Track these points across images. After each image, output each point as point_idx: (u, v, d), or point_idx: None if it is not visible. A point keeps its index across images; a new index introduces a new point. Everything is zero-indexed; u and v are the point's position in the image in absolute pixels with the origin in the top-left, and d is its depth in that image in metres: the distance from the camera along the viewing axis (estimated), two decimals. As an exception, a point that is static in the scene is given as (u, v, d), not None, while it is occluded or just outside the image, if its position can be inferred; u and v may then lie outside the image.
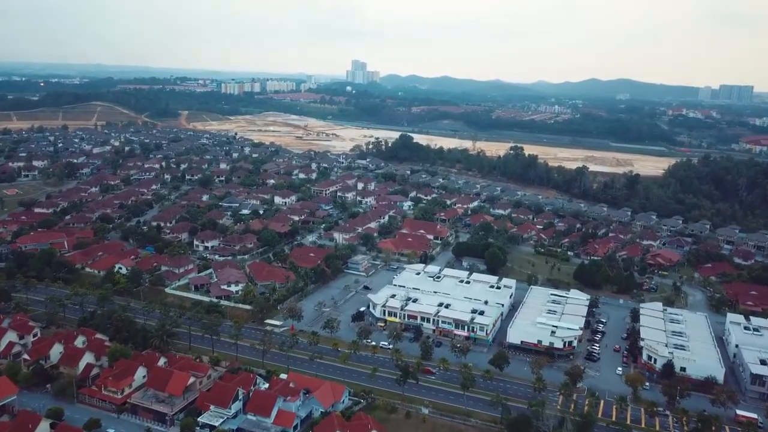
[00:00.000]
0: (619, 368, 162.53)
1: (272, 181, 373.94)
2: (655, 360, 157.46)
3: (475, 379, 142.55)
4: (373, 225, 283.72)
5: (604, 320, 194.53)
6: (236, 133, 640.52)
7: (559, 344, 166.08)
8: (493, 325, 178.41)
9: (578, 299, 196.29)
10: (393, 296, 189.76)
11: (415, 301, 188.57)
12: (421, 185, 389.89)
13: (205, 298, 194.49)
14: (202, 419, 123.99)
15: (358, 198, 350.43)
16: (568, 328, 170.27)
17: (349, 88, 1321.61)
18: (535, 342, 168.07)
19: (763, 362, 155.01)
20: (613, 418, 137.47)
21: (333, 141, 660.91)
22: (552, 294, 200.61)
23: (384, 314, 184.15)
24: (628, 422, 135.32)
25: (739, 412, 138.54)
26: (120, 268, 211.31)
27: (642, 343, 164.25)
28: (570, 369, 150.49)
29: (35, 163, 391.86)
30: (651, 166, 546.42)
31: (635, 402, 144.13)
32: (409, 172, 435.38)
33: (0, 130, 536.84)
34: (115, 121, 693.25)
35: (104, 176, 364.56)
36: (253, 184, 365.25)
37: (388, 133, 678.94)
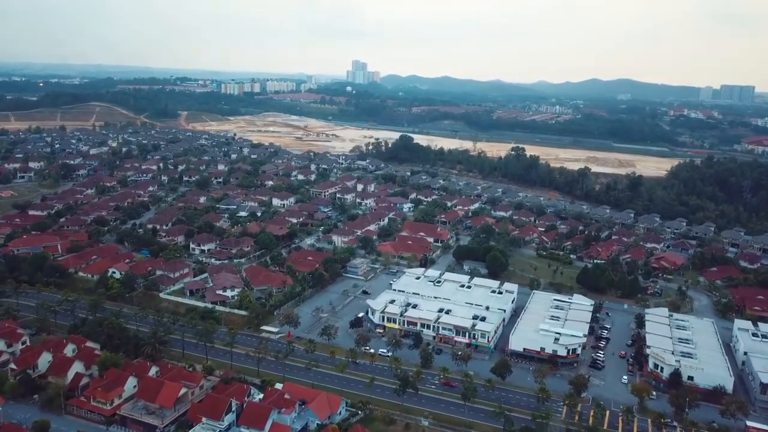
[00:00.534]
0: (625, 376, 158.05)
1: (271, 183, 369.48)
2: (662, 368, 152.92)
3: (476, 389, 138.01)
4: (372, 227, 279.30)
5: (608, 326, 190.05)
6: (235, 134, 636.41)
7: (562, 352, 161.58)
8: (495, 332, 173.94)
9: (582, 304, 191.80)
10: (392, 302, 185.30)
11: (414, 306, 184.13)
12: (422, 187, 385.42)
13: (200, 304, 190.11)
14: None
15: (358, 200, 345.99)
16: (571, 335, 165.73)
17: (349, 88, 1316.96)
18: (538, 349, 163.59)
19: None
20: (620, 430, 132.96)
21: (333, 141, 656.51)
22: (555, 299, 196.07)
23: (383, 320, 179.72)
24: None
25: (749, 423, 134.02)
26: (114, 272, 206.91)
27: (648, 351, 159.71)
28: (574, 378, 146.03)
29: (31, 164, 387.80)
30: (653, 166, 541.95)
31: (642, 412, 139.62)
32: (409, 174, 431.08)
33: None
34: (114, 121, 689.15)
35: (100, 178, 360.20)
36: (251, 186, 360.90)
37: (389, 133, 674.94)
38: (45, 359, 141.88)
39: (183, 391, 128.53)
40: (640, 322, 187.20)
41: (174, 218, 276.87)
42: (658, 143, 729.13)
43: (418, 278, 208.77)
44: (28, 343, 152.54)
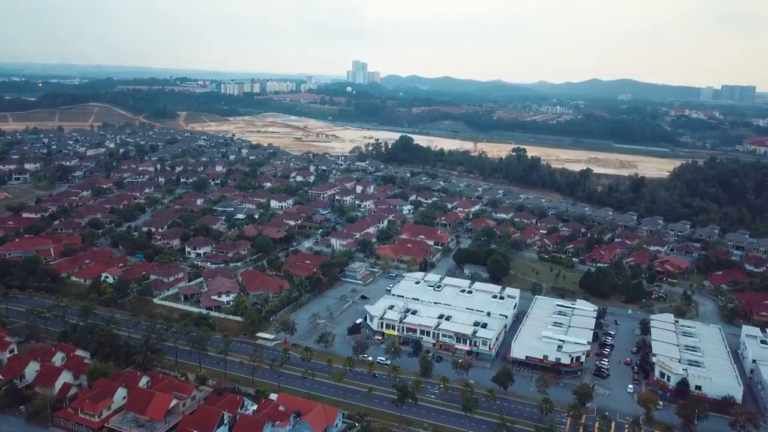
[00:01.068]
0: (630, 385, 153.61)
1: (269, 184, 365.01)
2: (669, 377, 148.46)
3: (477, 400, 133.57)
4: (371, 230, 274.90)
5: (612, 332, 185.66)
6: (234, 135, 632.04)
7: (566, 360, 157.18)
8: (497, 339, 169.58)
9: (585, 310, 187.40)
10: (391, 307, 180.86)
11: (414, 312, 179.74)
12: (422, 188, 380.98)
13: (195, 309, 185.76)
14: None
15: (357, 202, 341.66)
16: (575, 343, 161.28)
17: (349, 88, 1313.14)
18: (541, 357, 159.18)
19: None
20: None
21: (332, 142, 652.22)
22: (558, 305, 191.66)
23: (381, 327, 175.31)
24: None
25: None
26: (107, 277, 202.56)
27: (654, 359, 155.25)
28: (578, 388, 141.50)
29: (27, 165, 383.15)
30: (655, 167, 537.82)
31: (648, 424, 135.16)
32: (409, 175, 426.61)
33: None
34: (112, 122, 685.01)
35: (96, 179, 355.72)
36: (249, 188, 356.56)
37: (389, 134, 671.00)
38: (32, 369, 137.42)
39: (174, 402, 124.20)
40: (645, 328, 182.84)
41: (170, 221, 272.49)
42: (660, 144, 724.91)
43: (417, 283, 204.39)
44: (15, 352, 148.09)
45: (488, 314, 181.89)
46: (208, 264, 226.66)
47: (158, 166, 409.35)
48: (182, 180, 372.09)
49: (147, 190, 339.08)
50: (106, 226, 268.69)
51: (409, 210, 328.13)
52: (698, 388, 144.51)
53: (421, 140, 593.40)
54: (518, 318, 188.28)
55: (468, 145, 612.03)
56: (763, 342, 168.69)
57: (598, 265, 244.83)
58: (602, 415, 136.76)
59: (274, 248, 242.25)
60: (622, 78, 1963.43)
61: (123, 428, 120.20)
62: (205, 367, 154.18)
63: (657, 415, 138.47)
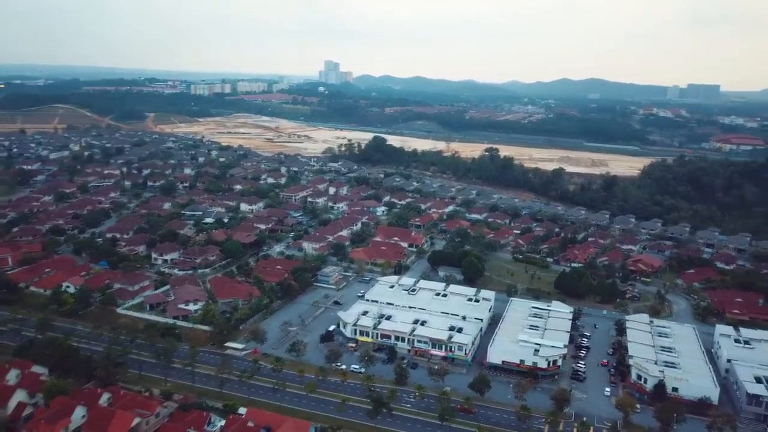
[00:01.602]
0: (607, 388, 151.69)
1: (239, 187, 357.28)
2: (646, 380, 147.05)
3: (453, 409, 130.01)
4: (344, 233, 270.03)
5: (588, 334, 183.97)
6: (203, 136, 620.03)
7: (543, 364, 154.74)
8: (472, 343, 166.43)
9: (561, 312, 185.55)
10: (365, 313, 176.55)
11: (388, 318, 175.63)
12: (395, 189, 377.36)
13: (161, 319, 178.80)
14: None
15: (330, 203, 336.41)
16: (552, 346, 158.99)
17: (321, 88, 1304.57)
18: (518, 362, 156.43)
19: (758, 380, 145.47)
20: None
21: (305, 143, 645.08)
22: (533, 307, 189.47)
23: (355, 333, 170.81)
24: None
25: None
26: (68, 286, 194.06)
27: (631, 362, 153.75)
28: (556, 393, 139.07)
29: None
30: (626, 165, 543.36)
31: (627, 428, 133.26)
32: (382, 176, 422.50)
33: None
34: (78, 124, 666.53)
35: (59, 184, 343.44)
36: (218, 191, 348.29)
37: (362, 134, 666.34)
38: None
39: (136, 420, 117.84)
40: (621, 329, 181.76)
41: (136, 226, 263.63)
42: (629, 142, 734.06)
43: (392, 287, 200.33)
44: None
45: (464, 318, 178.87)
46: (176, 271, 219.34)
47: (124, 169, 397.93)
48: (149, 183, 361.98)
49: (112, 195, 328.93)
50: (69, 232, 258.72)
51: (383, 211, 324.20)
52: (675, 389, 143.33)
53: (394, 140, 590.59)
54: (494, 321, 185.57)
55: (441, 145, 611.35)
56: (737, 341, 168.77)
57: (572, 265, 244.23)
58: (580, 420, 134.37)
59: (244, 253, 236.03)
60: (592, 77, 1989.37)
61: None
62: (171, 380, 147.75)
63: (635, 418, 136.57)
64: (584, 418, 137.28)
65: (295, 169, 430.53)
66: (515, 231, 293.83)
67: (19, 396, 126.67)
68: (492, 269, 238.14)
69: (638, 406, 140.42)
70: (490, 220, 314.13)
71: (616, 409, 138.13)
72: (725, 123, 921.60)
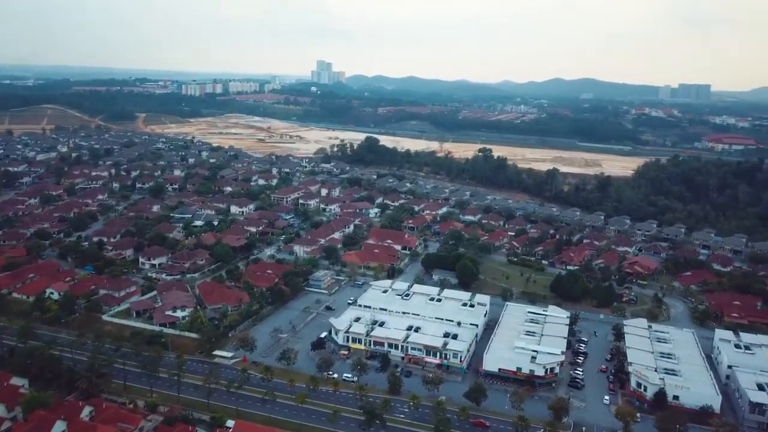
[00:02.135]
0: (606, 396, 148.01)
1: (229, 189, 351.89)
2: (646, 388, 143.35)
3: (450, 420, 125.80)
4: (337, 235, 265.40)
5: (585, 339, 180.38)
6: (193, 137, 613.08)
7: (540, 372, 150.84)
8: (468, 350, 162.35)
9: (558, 317, 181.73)
10: (357, 320, 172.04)
11: (381, 324, 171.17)
12: (388, 190, 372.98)
13: (148, 326, 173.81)
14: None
15: (322, 205, 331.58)
16: (549, 353, 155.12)
17: (314, 88, 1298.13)
18: (514, 369, 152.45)
19: (760, 387, 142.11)
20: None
21: (297, 143, 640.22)
22: (529, 312, 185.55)
23: (347, 341, 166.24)
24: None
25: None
26: (51, 292, 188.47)
27: (630, 369, 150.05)
28: (554, 402, 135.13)
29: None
30: (619, 165, 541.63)
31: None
32: (375, 177, 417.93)
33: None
34: (67, 125, 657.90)
35: (46, 186, 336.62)
36: (208, 192, 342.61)
37: (354, 134, 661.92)
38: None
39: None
40: (618, 334, 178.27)
41: (123, 229, 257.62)
42: (622, 142, 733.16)
43: (385, 291, 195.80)
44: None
45: (458, 324, 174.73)
46: (163, 275, 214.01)
47: (113, 171, 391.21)
48: (138, 185, 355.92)
49: (100, 197, 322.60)
50: (54, 236, 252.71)
51: (376, 213, 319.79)
52: (676, 398, 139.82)
53: (387, 141, 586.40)
54: (489, 326, 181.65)
55: (434, 146, 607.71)
56: (737, 347, 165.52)
57: (568, 267, 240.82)
58: (579, 430, 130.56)
59: (234, 257, 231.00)
60: (584, 77, 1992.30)
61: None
62: (156, 391, 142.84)
63: (635, 427, 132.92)
64: (583, 428, 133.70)
65: (287, 170, 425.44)
66: (510, 233, 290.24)
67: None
68: (486, 272, 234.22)
69: (638, 415, 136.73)
70: (484, 221, 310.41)
71: (616, 419, 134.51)
72: (717, 123, 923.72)
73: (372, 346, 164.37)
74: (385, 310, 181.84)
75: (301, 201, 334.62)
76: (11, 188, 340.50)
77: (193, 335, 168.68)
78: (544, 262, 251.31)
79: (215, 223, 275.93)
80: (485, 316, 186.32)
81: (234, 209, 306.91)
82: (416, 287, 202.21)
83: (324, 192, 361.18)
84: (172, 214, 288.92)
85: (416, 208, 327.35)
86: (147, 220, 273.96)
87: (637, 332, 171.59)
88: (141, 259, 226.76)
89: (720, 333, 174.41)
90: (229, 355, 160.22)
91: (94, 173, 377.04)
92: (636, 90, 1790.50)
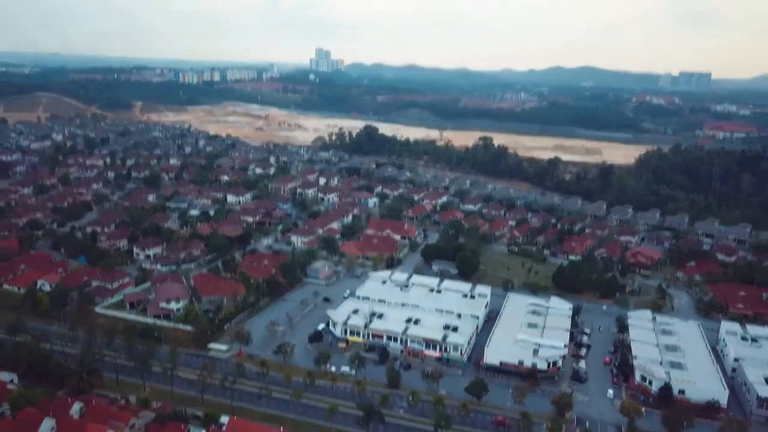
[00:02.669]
0: (610, 390, 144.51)
1: (226, 178, 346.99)
2: (651, 382, 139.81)
3: (450, 416, 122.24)
4: (335, 225, 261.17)
5: (588, 331, 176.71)
6: (190, 126, 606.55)
7: (543, 365, 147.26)
8: (468, 343, 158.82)
9: (560, 309, 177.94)
10: (355, 311, 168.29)
11: (380, 316, 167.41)
12: (387, 180, 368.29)
13: (141, 319, 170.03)
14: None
15: (320, 195, 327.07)
16: (552, 347, 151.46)
17: (312, 76, 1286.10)
18: (516, 363, 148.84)
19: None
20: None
21: (295, 132, 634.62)
22: (531, 303, 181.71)
23: (345, 333, 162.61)
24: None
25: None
26: (43, 284, 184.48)
27: (635, 363, 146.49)
28: (558, 397, 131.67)
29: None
30: (620, 154, 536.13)
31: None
32: (374, 166, 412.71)
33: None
34: (62, 113, 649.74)
35: (40, 175, 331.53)
36: (205, 182, 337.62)
37: (353, 122, 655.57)
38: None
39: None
40: (622, 325, 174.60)
41: (118, 219, 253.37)
42: (623, 130, 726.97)
43: (384, 282, 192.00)
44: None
45: (459, 316, 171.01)
46: (158, 266, 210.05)
47: (108, 160, 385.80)
48: (133, 174, 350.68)
49: (94, 186, 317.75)
50: (47, 226, 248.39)
51: (375, 203, 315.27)
52: (681, 392, 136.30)
53: (386, 129, 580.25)
54: (490, 318, 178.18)
55: (434, 134, 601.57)
56: (743, 338, 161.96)
57: (570, 257, 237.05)
58: (583, 426, 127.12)
59: (230, 248, 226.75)
60: (585, 65, 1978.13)
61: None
62: (150, 385, 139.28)
63: (640, 422, 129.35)
64: (587, 423, 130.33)
65: (285, 159, 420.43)
66: (510, 222, 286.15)
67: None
68: (487, 263, 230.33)
69: (643, 409, 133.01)
70: (484, 211, 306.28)
71: (621, 414, 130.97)
72: (718, 110, 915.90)
73: (371, 338, 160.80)
74: (384, 301, 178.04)
75: (299, 190, 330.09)
76: (4, 177, 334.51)
77: (188, 328, 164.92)
78: (545, 252, 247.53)
79: (211, 212, 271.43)
80: (486, 307, 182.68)
81: (231, 199, 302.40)
82: (416, 278, 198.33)
83: (322, 181, 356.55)
84: (168, 204, 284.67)
85: (416, 198, 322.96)
86: (142, 210, 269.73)
87: (641, 324, 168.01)
88: (135, 250, 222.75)
89: (726, 325, 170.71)
90: (225, 348, 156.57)
91: (89, 162, 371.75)
92: (636, 78, 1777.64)
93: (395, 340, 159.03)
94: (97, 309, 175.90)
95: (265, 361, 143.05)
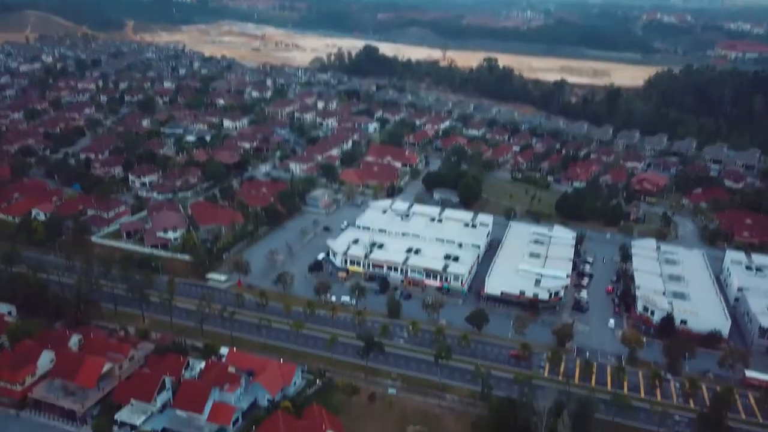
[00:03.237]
0: (612, 320, 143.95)
1: (222, 102, 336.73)
2: (653, 312, 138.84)
3: (450, 347, 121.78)
4: (334, 152, 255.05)
5: (590, 260, 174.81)
6: (184, 46, 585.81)
7: (544, 295, 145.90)
8: (469, 273, 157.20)
9: (563, 238, 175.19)
10: (355, 241, 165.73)
11: (380, 246, 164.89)
12: (388, 103, 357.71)
13: (138, 248, 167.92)
14: (120, 417, 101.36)
15: (318, 119, 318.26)
16: (554, 277, 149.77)
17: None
18: (518, 293, 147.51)
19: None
20: (609, 387, 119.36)
21: (293, 52, 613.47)
22: (534, 232, 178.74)
23: (345, 263, 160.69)
24: (626, 392, 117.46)
25: (748, 374, 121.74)
26: (37, 213, 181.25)
27: (637, 293, 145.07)
28: (559, 328, 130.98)
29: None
30: (628, 75, 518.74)
31: (632, 363, 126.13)
32: (374, 88, 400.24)
33: None
34: (51, 33, 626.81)
35: (30, 99, 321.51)
36: (200, 106, 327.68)
37: (353, 42, 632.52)
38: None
39: (107, 366, 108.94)
40: (625, 254, 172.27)
41: (112, 146, 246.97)
42: (632, 49, 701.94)
43: (384, 212, 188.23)
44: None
45: (460, 245, 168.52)
46: (154, 194, 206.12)
47: (100, 83, 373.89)
48: (127, 98, 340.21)
49: (87, 111, 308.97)
50: (40, 153, 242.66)
51: (375, 128, 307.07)
52: (683, 322, 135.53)
53: (387, 49, 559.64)
54: (492, 246, 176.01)
55: (436, 54, 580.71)
56: (748, 267, 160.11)
57: (574, 184, 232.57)
58: (584, 359, 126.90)
59: (227, 175, 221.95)
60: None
61: (49, 398, 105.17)
62: (148, 316, 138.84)
63: (640, 352, 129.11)
64: (587, 353, 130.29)
65: (282, 81, 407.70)
66: (514, 148, 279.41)
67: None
68: (490, 190, 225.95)
69: (644, 339, 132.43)
70: (488, 136, 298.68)
71: (622, 344, 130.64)
72: (731, 28, 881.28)
73: (371, 268, 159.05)
74: (385, 231, 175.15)
75: (296, 115, 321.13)
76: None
77: (186, 258, 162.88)
78: (549, 178, 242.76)
79: (207, 138, 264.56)
80: (488, 236, 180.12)
81: (227, 124, 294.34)
82: (416, 207, 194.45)
83: (321, 105, 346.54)
84: (163, 129, 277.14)
85: (417, 123, 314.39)
86: (136, 136, 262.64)
87: (645, 253, 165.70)
88: (131, 177, 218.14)
89: (731, 254, 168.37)
90: (223, 278, 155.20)
91: (80, 85, 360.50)
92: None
93: (395, 270, 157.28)
94: (93, 238, 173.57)
95: (265, 291, 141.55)
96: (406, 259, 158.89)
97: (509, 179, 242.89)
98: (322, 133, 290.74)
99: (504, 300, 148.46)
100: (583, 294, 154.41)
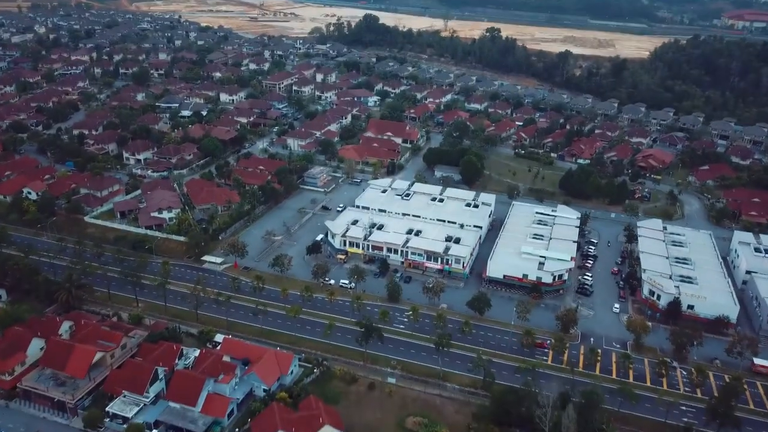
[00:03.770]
0: (616, 304, 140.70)
1: (218, 75, 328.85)
2: (659, 296, 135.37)
3: (451, 335, 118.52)
4: (333, 127, 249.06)
5: (595, 241, 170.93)
6: (180, 16, 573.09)
7: (547, 279, 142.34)
8: (471, 255, 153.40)
9: (567, 218, 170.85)
10: (355, 222, 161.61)
11: (380, 227, 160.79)
12: (388, 76, 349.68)
13: (133, 229, 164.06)
14: (112, 409, 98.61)
15: (317, 93, 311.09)
16: (558, 259, 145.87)
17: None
18: (520, 276, 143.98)
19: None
20: (614, 375, 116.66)
21: (291, 22, 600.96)
22: (537, 212, 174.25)
23: (344, 245, 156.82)
24: (632, 380, 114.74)
25: (756, 361, 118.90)
26: (29, 192, 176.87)
27: (643, 276, 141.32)
28: (563, 313, 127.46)
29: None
30: (634, 46, 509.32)
31: (637, 350, 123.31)
32: (374, 60, 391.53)
33: None
34: (44, 2, 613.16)
35: (22, 72, 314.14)
36: (196, 79, 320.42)
37: (352, 11, 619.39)
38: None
39: (99, 355, 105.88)
40: (630, 235, 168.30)
41: (106, 121, 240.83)
42: (637, 19, 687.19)
43: (384, 191, 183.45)
44: None
45: (461, 226, 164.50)
46: (149, 172, 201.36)
47: (94, 54, 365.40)
48: (121, 71, 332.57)
49: (80, 84, 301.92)
50: (32, 128, 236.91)
51: (375, 102, 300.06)
52: (690, 307, 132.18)
53: (387, 18, 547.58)
54: (494, 226, 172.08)
55: (438, 24, 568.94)
56: (756, 249, 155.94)
57: (578, 161, 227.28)
58: (588, 342, 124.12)
59: (224, 151, 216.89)
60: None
61: (39, 388, 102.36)
62: (142, 300, 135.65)
63: (646, 338, 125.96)
64: (591, 339, 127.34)
65: (280, 53, 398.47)
66: (517, 123, 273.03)
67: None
68: (492, 167, 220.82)
69: (649, 324, 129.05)
70: (490, 110, 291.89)
71: (627, 330, 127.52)
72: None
73: (370, 250, 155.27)
74: (385, 211, 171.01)
75: (294, 88, 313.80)
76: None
77: (181, 238, 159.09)
78: (552, 155, 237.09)
79: (204, 113, 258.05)
80: (490, 216, 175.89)
81: (224, 97, 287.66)
82: (417, 186, 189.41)
83: (319, 77, 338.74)
84: (158, 104, 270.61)
85: (418, 96, 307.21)
86: (131, 111, 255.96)
87: (651, 234, 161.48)
88: (125, 154, 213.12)
89: (739, 235, 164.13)
90: (219, 260, 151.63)
91: (74, 57, 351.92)
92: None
93: (395, 251, 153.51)
94: (87, 218, 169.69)
95: (261, 276, 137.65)
96: (407, 240, 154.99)
97: (512, 155, 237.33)
98: (320, 107, 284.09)
99: (506, 283, 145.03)
100: (588, 277, 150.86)
